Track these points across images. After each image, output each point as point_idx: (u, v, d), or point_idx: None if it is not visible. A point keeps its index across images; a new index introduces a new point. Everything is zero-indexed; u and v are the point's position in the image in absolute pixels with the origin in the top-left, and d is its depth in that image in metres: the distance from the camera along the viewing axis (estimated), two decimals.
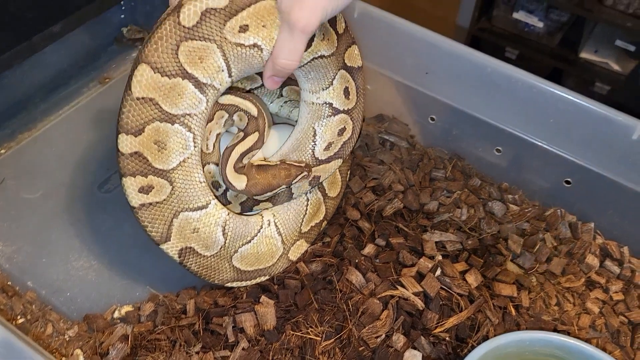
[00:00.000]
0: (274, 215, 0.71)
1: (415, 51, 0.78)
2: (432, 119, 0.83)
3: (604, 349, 0.70)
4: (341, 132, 0.70)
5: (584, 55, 1.72)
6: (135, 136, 0.59)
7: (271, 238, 0.70)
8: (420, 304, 0.70)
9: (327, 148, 0.70)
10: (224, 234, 0.65)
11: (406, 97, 0.83)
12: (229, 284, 0.69)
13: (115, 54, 1.01)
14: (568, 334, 0.69)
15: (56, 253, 0.75)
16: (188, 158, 0.62)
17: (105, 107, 0.93)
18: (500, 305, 0.71)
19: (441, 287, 0.71)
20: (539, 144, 0.76)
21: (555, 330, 0.69)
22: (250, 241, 0.68)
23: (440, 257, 0.75)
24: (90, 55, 0.99)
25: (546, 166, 0.77)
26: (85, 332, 0.66)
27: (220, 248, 0.66)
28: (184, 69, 0.58)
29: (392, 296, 0.71)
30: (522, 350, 0.63)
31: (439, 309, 0.70)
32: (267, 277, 0.71)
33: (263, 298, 0.69)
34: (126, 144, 0.59)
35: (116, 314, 0.68)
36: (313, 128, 0.69)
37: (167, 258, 0.64)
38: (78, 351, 0.62)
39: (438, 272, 0.73)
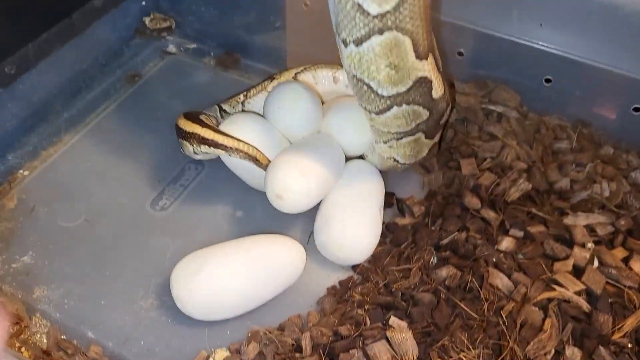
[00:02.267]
0: None
1: None
2: (548, 81, 0.69)
3: None
4: None
5: None
6: None
7: None
8: (585, 305, 0.56)
9: None
10: None
11: (511, 55, 0.69)
12: None
13: (140, 48, 0.86)
14: None
15: (116, 292, 0.59)
16: None
17: (139, 109, 0.77)
18: None
19: (607, 281, 0.57)
20: None
21: None
22: None
23: (591, 244, 0.61)
24: (111, 51, 0.83)
25: None
26: None
27: None
28: None
29: (550, 299, 0.56)
30: None
31: (609, 309, 0.56)
32: None
33: (393, 320, 0.54)
34: None
35: None
36: None
37: None
38: None
39: (595, 263, 0.59)
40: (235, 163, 0.64)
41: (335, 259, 0.62)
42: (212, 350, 0.54)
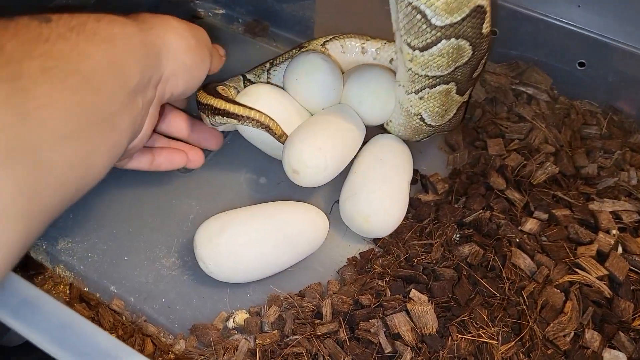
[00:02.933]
0: None
1: None
2: (582, 65, 0.68)
3: None
4: None
5: None
6: None
7: None
8: (607, 290, 0.56)
9: None
10: None
11: (545, 36, 0.68)
12: None
13: (170, 11, 0.83)
14: None
15: (138, 250, 0.59)
16: None
17: None
18: None
19: (630, 267, 0.57)
20: None
21: None
22: None
23: (616, 231, 0.60)
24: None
25: None
26: (195, 349, 0.51)
27: None
28: None
29: (571, 282, 0.56)
30: None
31: (631, 296, 0.56)
32: None
33: (413, 293, 0.54)
34: None
35: (230, 323, 0.53)
36: None
37: None
38: None
39: (619, 249, 0.59)
40: (252, 134, 0.64)
41: (360, 230, 0.61)
42: (232, 311, 0.55)
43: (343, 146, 0.62)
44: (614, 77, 0.67)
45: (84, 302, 0.55)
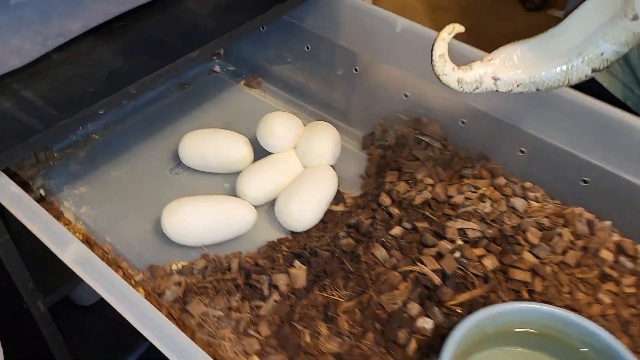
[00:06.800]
0: None
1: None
2: (463, 122, 0.92)
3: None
4: None
5: None
6: None
7: None
8: (437, 279, 0.78)
9: None
10: None
11: (440, 102, 0.93)
12: None
13: (196, 66, 1.18)
14: None
15: (132, 219, 0.89)
16: None
17: (182, 108, 1.09)
18: (513, 289, 0.77)
19: (458, 267, 0.79)
20: (557, 144, 0.83)
21: None
22: None
23: (460, 242, 0.82)
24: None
25: (564, 166, 0.83)
26: (148, 278, 0.79)
27: None
28: None
29: (411, 271, 0.79)
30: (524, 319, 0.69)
31: (454, 286, 0.77)
32: None
33: (297, 263, 0.80)
34: None
35: (174, 267, 0.81)
36: None
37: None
38: (141, 289, 0.75)
39: (457, 254, 0.81)
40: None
41: (284, 224, 0.88)
42: (178, 261, 0.83)
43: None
44: (485, 135, 0.90)
45: (88, 242, 0.85)
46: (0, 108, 0.71)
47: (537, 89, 0.64)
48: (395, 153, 0.95)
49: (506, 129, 0.87)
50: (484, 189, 0.89)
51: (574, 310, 0.75)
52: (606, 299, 0.78)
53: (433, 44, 0.65)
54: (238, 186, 0.90)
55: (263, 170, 0.92)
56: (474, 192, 0.89)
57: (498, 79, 0.65)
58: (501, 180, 0.90)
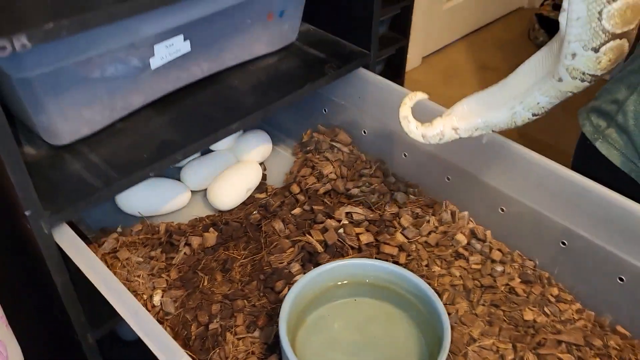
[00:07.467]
0: None
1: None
2: (365, 132, 1.13)
3: (455, 301, 0.90)
4: None
5: None
6: None
7: None
8: (319, 247, 0.97)
9: None
10: None
11: (349, 116, 1.14)
12: None
13: None
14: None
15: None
16: None
17: None
18: (382, 259, 0.95)
19: (338, 240, 0.98)
20: (429, 149, 1.02)
21: None
22: None
23: (346, 222, 1.01)
24: None
25: (433, 167, 1.02)
26: (98, 236, 1.02)
27: None
28: None
29: (300, 240, 0.98)
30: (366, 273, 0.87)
31: (333, 253, 0.96)
32: None
33: (211, 229, 1.00)
34: None
35: (118, 230, 1.03)
36: None
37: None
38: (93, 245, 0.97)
39: (340, 230, 1.00)
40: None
41: (212, 203, 1.09)
42: (122, 226, 1.05)
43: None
44: (382, 141, 1.10)
45: None
46: (70, 168, 0.82)
47: (492, 130, 0.72)
48: (313, 155, 1.15)
49: (395, 137, 1.07)
50: (376, 185, 1.08)
51: (428, 279, 0.93)
52: (456, 272, 0.95)
53: (399, 108, 0.76)
54: (182, 174, 1.12)
55: (204, 164, 1.14)
56: (368, 187, 1.08)
57: (458, 129, 0.74)
58: (391, 179, 1.09)
